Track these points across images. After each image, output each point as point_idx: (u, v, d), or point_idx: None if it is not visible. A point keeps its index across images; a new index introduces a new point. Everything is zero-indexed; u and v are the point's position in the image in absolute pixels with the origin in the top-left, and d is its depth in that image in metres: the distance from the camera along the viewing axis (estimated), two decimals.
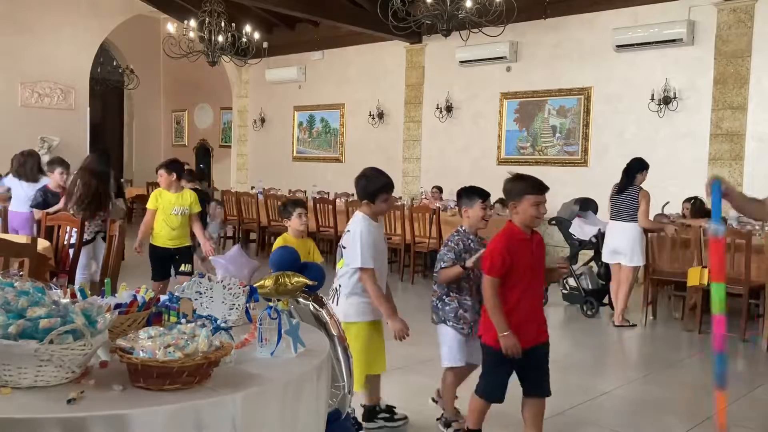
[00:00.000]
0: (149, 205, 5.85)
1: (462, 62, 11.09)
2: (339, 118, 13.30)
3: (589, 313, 7.14)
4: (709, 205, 2.60)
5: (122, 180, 11.99)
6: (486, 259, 3.34)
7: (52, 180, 6.35)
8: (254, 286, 2.48)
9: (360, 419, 3.87)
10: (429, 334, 4.91)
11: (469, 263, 3.63)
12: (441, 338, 3.82)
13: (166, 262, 5.87)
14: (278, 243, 4.41)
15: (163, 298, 2.33)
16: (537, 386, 3.42)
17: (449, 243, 3.77)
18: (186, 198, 5.87)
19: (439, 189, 10.34)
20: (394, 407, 4.02)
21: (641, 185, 6.63)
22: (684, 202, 7.89)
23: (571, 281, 7.40)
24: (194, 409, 1.71)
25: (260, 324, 2.15)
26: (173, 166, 5.92)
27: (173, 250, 5.84)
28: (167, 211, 5.76)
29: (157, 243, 5.81)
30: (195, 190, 6.48)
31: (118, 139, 17.56)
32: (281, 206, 5.01)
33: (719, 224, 2.58)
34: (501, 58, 10.60)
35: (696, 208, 7.64)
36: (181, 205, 5.80)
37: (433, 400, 4.07)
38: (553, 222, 7.89)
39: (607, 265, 7.23)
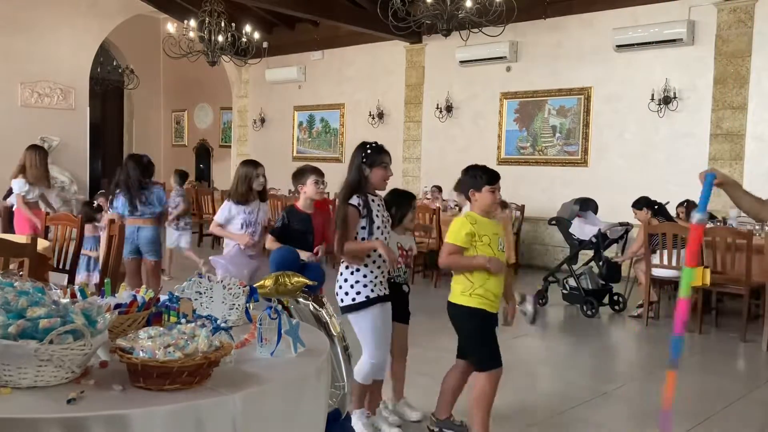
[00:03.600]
0: (459, 241, 3.48)
1: (462, 62, 11.08)
2: (339, 118, 13.29)
3: (589, 313, 7.13)
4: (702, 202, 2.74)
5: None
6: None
7: (302, 195, 4.48)
8: (254, 286, 2.48)
9: None
10: (431, 333, 4.90)
11: None
12: None
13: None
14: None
15: (163, 298, 2.32)
16: None
17: None
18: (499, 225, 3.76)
19: (439, 189, 10.33)
20: None
21: None
22: (678, 206, 7.82)
23: (571, 281, 7.39)
24: (194, 409, 1.71)
25: (260, 324, 2.15)
26: None
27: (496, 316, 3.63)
28: (494, 246, 3.53)
29: (488, 306, 3.50)
30: None
31: (118, 139, 17.53)
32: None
33: (704, 214, 2.71)
34: (501, 58, 10.59)
35: (690, 210, 7.62)
36: (502, 236, 3.67)
37: None
38: (553, 222, 7.88)
39: (607, 265, 7.24)
